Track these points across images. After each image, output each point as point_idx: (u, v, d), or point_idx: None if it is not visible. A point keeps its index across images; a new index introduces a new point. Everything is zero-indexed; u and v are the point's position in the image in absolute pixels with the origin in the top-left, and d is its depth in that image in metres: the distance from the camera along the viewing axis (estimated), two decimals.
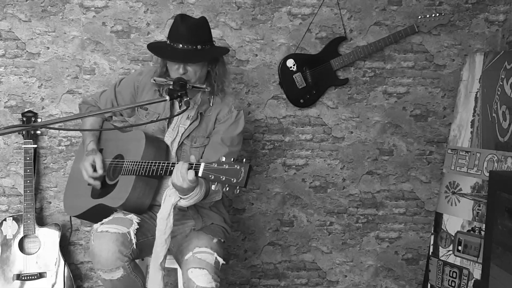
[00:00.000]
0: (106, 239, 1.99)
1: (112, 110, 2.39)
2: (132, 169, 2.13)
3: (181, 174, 1.89)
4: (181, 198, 2.00)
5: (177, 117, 2.26)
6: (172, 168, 1.99)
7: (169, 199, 2.02)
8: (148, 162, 2.09)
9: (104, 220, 2.11)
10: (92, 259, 2.03)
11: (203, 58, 2.16)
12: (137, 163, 2.12)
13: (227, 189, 1.82)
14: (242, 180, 1.77)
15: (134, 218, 2.11)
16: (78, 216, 2.37)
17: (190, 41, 2.10)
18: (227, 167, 1.80)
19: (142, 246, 2.12)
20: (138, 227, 2.09)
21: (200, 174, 1.87)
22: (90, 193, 2.31)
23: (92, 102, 2.46)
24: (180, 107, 2.24)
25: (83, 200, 2.31)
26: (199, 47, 2.12)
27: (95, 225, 2.09)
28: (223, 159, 1.83)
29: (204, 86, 2.15)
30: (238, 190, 1.81)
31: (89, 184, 2.32)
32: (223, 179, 1.80)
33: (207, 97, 2.25)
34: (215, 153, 2.17)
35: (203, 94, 2.25)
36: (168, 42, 2.17)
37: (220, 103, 2.27)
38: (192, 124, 2.24)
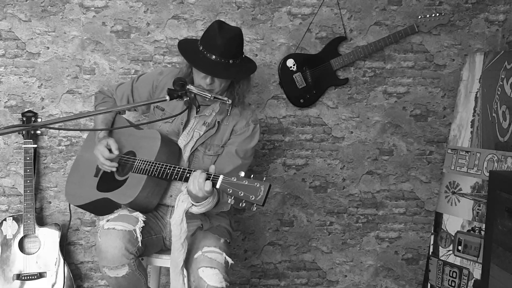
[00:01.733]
0: (113, 236, 2.00)
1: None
2: (144, 168, 2.11)
3: (198, 184, 1.90)
4: (193, 204, 2.00)
5: (193, 121, 2.26)
6: (188, 175, 1.98)
7: (181, 204, 2.02)
8: (163, 165, 2.07)
9: (110, 217, 2.11)
10: (98, 256, 2.04)
11: (232, 76, 2.15)
12: (151, 164, 2.10)
13: (243, 205, 1.82)
14: (261, 198, 1.77)
15: (140, 216, 2.11)
16: (80, 206, 2.35)
17: (224, 55, 2.08)
18: (246, 183, 1.80)
19: (147, 244, 2.12)
20: (143, 225, 2.09)
21: (217, 186, 1.87)
22: (96, 185, 2.29)
23: (108, 93, 2.44)
24: (197, 111, 2.23)
25: (88, 191, 2.29)
26: (231, 61, 2.10)
27: (101, 222, 2.10)
28: (242, 174, 1.83)
29: (226, 98, 2.11)
30: (255, 208, 1.81)
31: (95, 175, 2.31)
32: (241, 194, 1.79)
33: (225, 107, 2.24)
34: (228, 164, 2.18)
35: (222, 103, 2.23)
36: (201, 48, 2.12)
37: (238, 114, 2.26)
38: (209, 131, 2.24)
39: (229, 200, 1.85)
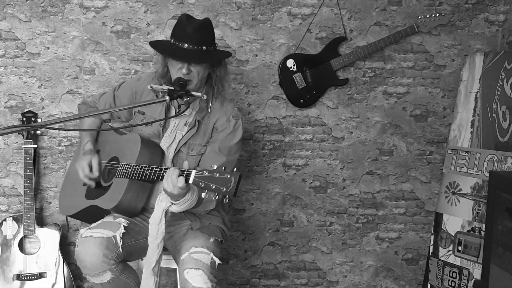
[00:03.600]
0: (89, 244, 2.00)
1: (109, 111, 2.39)
2: (126, 172, 2.13)
3: (171, 180, 1.89)
4: (172, 203, 1.99)
5: (174, 122, 2.25)
6: (164, 174, 1.98)
7: (160, 204, 2.01)
8: (142, 166, 2.08)
9: (92, 225, 2.12)
10: (78, 265, 2.04)
11: (208, 60, 2.15)
12: (131, 167, 2.12)
13: (217, 198, 1.82)
14: (232, 189, 1.75)
15: (122, 222, 2.12)
16: (73, 216, 2.37)
17: (196, 41, 2.09)
18: (217, 175, 1.79)
19: (132, 249, 2.12)
20: (124, 231, 2.08)
21: (190, 181, 1.86)
22: (85, 193, 2.31)
23: (91, 104, 2.47)
24: (176, 111, 2.23)
25: (78, 200, 2.31)
26: (204, 48, 2.11)
27: (81, 230, 2.10)
28: (215, 167, 1.82)
29: (200, 94, 2.09)
30: (227, 199, 1.81)
31: (84, 185, 2.32)
32: (213, 187, 1.78)
33: (205, 104, 2.24)
34: (212, 162, 2.13)
35: (201, 101, 2.24)
36: (172, 41, 2.15)
37: (218, 110, 2.25)
38: (190, 131, 2.23)
39: (203, 195, 1.83)
